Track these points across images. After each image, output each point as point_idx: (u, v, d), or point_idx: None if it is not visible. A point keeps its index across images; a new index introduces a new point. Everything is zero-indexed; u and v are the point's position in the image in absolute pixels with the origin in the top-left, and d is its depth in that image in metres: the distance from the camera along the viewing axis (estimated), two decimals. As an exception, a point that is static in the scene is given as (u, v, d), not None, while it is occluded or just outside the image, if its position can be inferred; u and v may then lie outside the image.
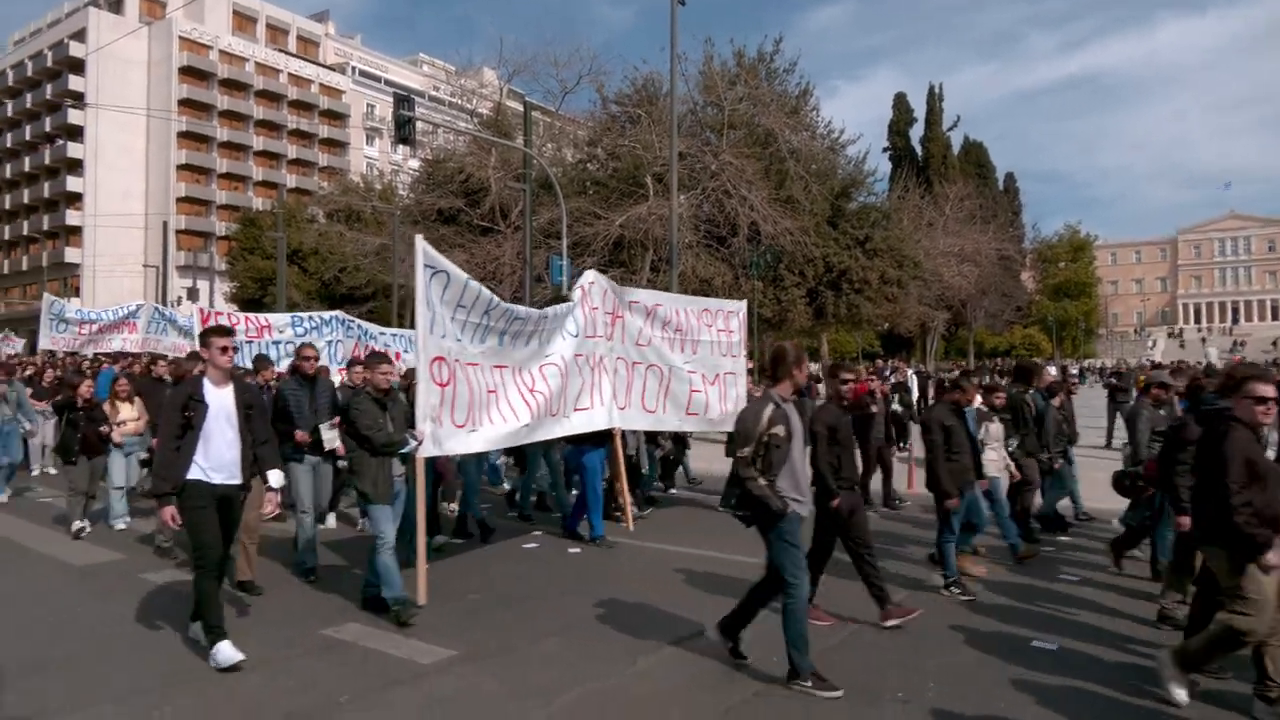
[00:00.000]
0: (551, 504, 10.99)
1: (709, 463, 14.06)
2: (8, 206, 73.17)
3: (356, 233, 36.32)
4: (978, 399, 8.58)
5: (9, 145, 72.91)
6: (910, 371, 26.57)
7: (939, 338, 53.74)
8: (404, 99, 19.20)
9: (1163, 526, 7.68)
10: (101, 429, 9.31)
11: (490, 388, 7.89)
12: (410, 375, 9.27)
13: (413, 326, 7.65)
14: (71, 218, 67.11)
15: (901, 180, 39.98)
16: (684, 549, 8.78)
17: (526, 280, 21.77)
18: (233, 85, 72.39)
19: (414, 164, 39.44)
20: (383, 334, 13.80)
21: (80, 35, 67.21)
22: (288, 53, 77.56)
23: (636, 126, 26.44)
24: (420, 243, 7.12)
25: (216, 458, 5.47)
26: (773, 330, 28.87)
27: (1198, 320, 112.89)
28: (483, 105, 33.60)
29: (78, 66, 66.87)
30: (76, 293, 61.45)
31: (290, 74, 76.16)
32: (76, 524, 9.20)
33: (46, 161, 69.44)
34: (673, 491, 12.49)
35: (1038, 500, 9.37)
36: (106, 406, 9.57)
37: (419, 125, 25.05)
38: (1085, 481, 10.49)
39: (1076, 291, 77.55)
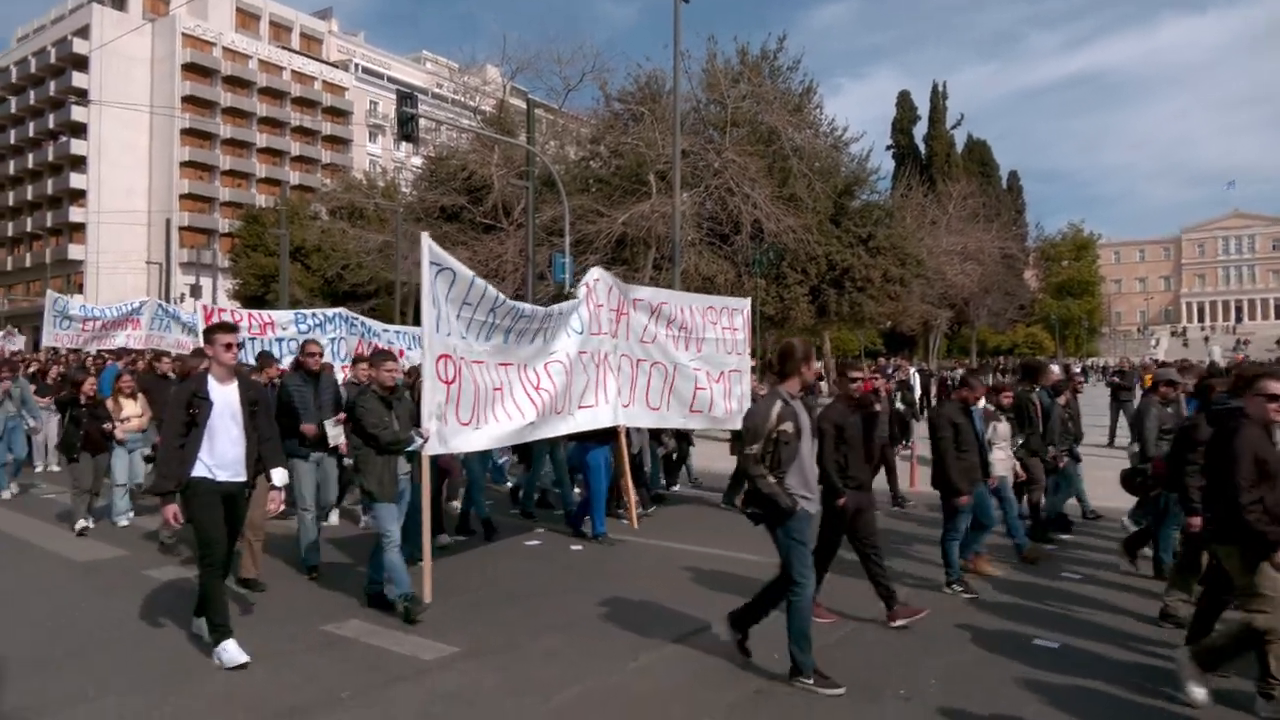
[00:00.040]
0: (554, 501, 11.01)
1: (711, 461, 14.07)
2: (11, 203, 73.23)
3: (359, 230, 36.30)
4: (981, 401, 8.56)
5: (13, 142, 72.96)
6: (913, 370, 26.56)
7: (942, 336, 53.72)
8: (407, 96, 19.20)
9: (1166, 525, 7.68)
10: (104, 426, 9.31)
11: (496, 385, 7.89)
12: (414, 373, 9.28)
13: (416, 324, 7.65)
14: (75, 214, 67.14)
15: (905, 178, 39.93)
16: (687, 546, 8.79)
17: (529, 278, 21.77)
18: (236, 82, 72.39)
19: (417, 161, 39.35)
20: (386, 331, 13.78)
21: (84, 32, 67.20)
22: (291, 49, 77.57)
23: (639, 124, 26.41)
24: (426, 240, 7.10)
25: (221, 455, 5.46)
26: (775, 328, 28.85)
27: (1201, 319, 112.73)
28: (486, 102, 33.60)
29: (81, 63, 66.89)
30: (80, 289, 61.35)
31: (293, 71, 76.16)
32: (80, 522, 9.21)
33: (50, 158, 69.47)
34: (676, 489, 12.49)
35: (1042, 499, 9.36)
36: (110, 403, 9.59)
37: (422, 122, 25.02)
38: (1089, 480, 10.49)
39: (1079, 290, 77.51)
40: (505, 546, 8.89)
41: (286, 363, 10.19)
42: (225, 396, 5.53)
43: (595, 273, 9.85)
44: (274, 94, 74.89)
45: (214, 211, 70.37)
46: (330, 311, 13.04)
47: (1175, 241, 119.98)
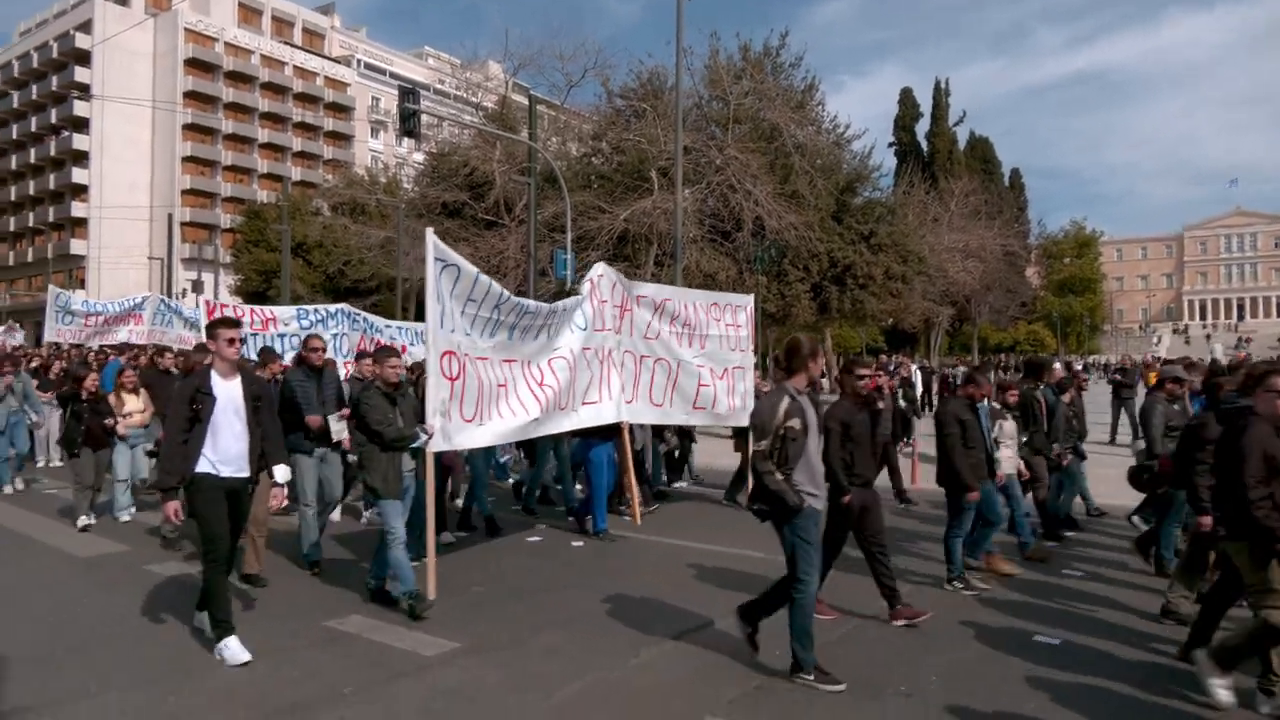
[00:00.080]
0: (556, 498, 11.02)
1: (712, 458, 14.08)
2: (13, 198, 73.23)
3: (361, 226, 36.33)
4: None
5: (15, 137, 72.95)
6: (914, 367, 26.57)
7: (943, 333, 53.70)
8: (409, 92, 19.20)
9: (1167, 522, 7.69)
10: (106, 421, 9.30)
11: (500, 381, 7.89)
12: (417, 368, 9.28)
13: (417, 319, 7.64)
14: (77, 209, 67.16)
15: (907, 175, 39.91)
16: (688, 543, 8.79)
17: (530, 274, 21.77)
18: (238, 78, 72.37)
19: (418, 157, 39.39)
20: (388, 327, 13.79)
21: (86, 27, 67.21)
22: (293, 45, 77.52)
23: (641, 120, 26.40)
24: (431, 237, 7.07)
25: (224, 450, 5.44)
26: (777, 325, 28.88)
27: (1203, 317, 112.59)
28: (488, 99, 33.61)
29: (84, 58, 66.93)
30: (82, 285, 61.45)
31: (295, 66, 76.11)
32: (82, 519, 9.20)
33: (52, 153, 69.45)
34: (678, 486, 12.50)
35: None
36: (112, 398, 9.58)
37: (424, 118, 25.07)
38: (1091, 477, 10.48)
39: (1081, 287, 77.44)
40: (507, 543, 8.90)
41: (288, 359, 10.20)
42: (229, 392, 5.51)
43: (599, 268, 9.84)
44: (276, 89, 74.84)
45: (216, 207, 70.37)
46: (333, 307, 13.05)
47: (1177, 239, 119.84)
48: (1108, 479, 11.19)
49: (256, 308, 12.97)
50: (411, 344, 13.16)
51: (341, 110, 78.97)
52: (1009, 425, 8.09)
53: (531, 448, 10.61)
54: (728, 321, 11.07)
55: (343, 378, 9.46)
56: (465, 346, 7.42)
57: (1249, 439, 4.69)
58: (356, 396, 6.90)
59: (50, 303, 18.31)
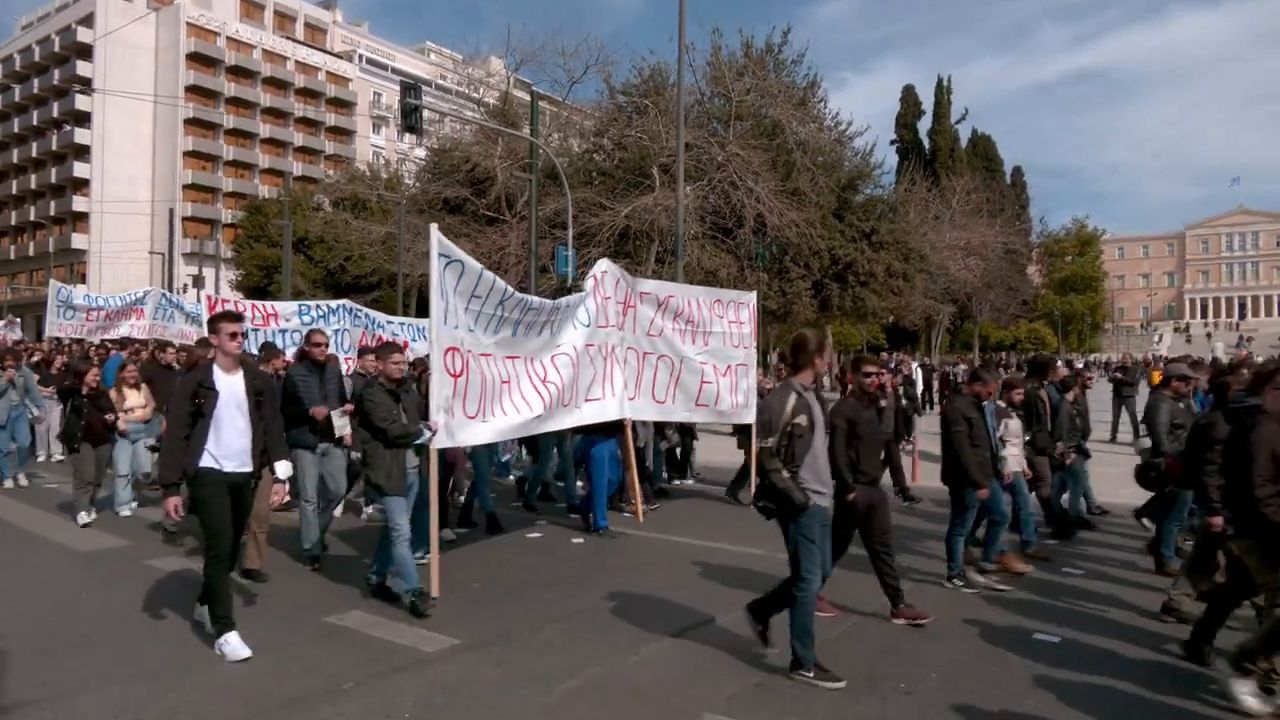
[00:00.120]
0: (557, 494, 11.02)
1: (710, 454, 14.09)
2: (15, 192, 73.29)
3: (362, 221, 36.30)
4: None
5: (16, 130, 72.97)
6: (915, 365, 26.58)
7: (944, 331, 53.68)
8: (411, 87, 19.17)
9: (1168, 521, 7.69)
10: (106, 417, 9.29)
11: (503, 378, 7.87)
12: (419, 364, 9.27)
13: (418, 315, 7.63)
14: (78, 203, 67.22)
15: (908, 173, 39.84)
16: (688, 540, 8.79)
17: (532, 270, 21.75)
18: (240, 72, 72.35)
19: (420, 153, 39.38)
20: (390, 323, 13.78)
21: (88, 20, 67.19)
22: (295, 40, 77.46)
23: (643, 117, 26.37)
24: (435, 233, 7.03)
25: (227, 445, 5.42)
26: (778, 322, 28.87)
27: (1204, 315, 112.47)
28: (489, 94, 33.55)
29: (85, 52, 66.92)
30: (83, 279, 61.51)
31: (297, 61, 76.06)
32: (81, 516, 9.14)
33: (54, 147, 69.48)
34: (677, 483, 12.50)
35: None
36: (113, 393, 9.57)
37: (425, 114, 25.06)
38: (1093, 476, 10.46)
39: (1083, 286, 77.32)
40: (507, 540, 8.90)
41: (290, 354, 10.20)
42: (231, 386, 5.48)
43: (603, 264, 9.80)
44: (278, 84, 74.83)
45: (217, 202, 70.37)
46: (334, 303, 13.04)
47: (1179, 237, 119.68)
48: (1108, 477, 11.21)
49: (258, 303, 12.97)
50: (413, 340, 13.15)
51: (343, 105, 78.95)
52: (1014, 424, 8.08)
53: (534, 444, 10.61)
54: (730, 318, 11.06)
55: (347, 373, 9.46)
56: (468, 343, 7.40)
57: (1257, 437, 4.69)
58: (360, 393, 6.90)
59: (51, 297, 18.29)
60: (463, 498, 9.80)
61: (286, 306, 12.64)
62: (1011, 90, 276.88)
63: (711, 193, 25.34)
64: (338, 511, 9.61)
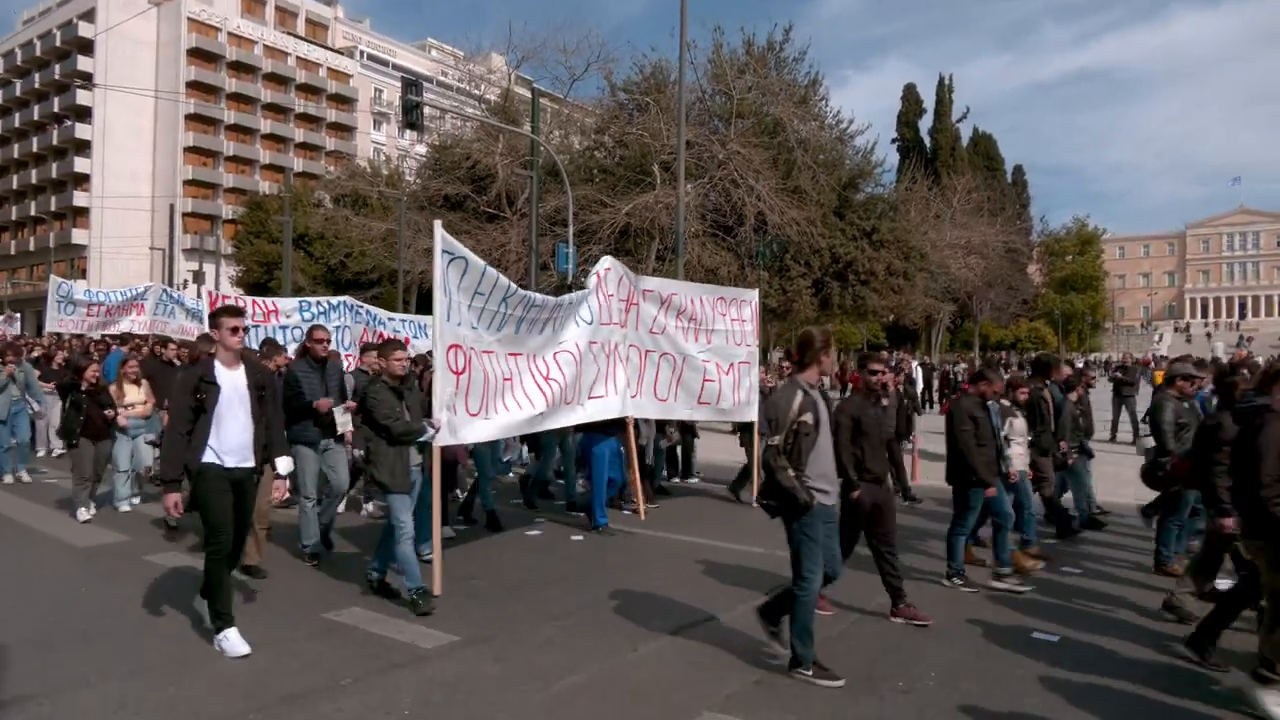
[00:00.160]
0: (557, 492, 11.02)
1: (712, 453, 14.10)
2: (15, 187, 73.23)
3: (363, 218, 36.27)
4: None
5: (17, 125, 72.90)
6: (915, 364, 26.58)
7: (944, 330, 53.68)
8: (412, 84, 19.17)
9: (1169, 521, 7.69)
10: (106, 412, 9.27)
11: (506, 375, 7.85)
12: (420, 361, 9.26)
13: (419, 312, 7.62)
14: (79, 199, 67.15)
15: (909, 171, 39.80)
16: (688, 538, 8.80)
17: (532, 267, 21.75)
18: (241, 68, 72.26)
19: (421, 149, 39.34)
20: (391, 319, 13.77)
21: (89, 15, 67.08)
22: (296, 36, 77.35)
23: (644, 114, 26.33)
24: (439, 229, 7.01)
25: (229, 440, 5.40)
26: (778, 320, 28.85)
27: (1204, 315, 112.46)
28: (490, 91, 33.51)
29: (86, 47, 66.82)
30: (83, 274, 61.38)
31: (299, 57, 75.95)
32: (81, 513, 9.11)
33: (54, 142, 69.40)
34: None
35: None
36: (113, 388, 9.55)
37: (427, 110, 25.04)
38: (1094, 475, 10.46)
39: (1083, 285, 77.27)
40: (507, 537, 8.90)
41: (291, 350, 10.19)
42: (233, 381, 5.47)
43: (606, 262, 9.77)
44: (279, 80, 74.73)
45: (217, 197, 70.32)
46: (335, 300, 13.02)
47: (1180, 237, 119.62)
48: (1108, 477, 11.21)
49: (259, 299, 12.96)
50: (414, 337, 13.15)
51: (344, 102, 78.85)
52: (1019, 423, 8.07)
53: (536, 441, 10.61)
54: (733, 316, 11.04)
55: (349, 370, 9.46)
56: (471, 340, 7.39)
57: (1265, 437, 4.68)
58: (364, 390, 6.90)
59: (52, 292, 18.27)
60: (462, 495, 9.80)
61: (287, 303, 12.63)
62: (1013, 89, 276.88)
63: (712, 190, 25.32)
64: (341, 507, 9.63)
